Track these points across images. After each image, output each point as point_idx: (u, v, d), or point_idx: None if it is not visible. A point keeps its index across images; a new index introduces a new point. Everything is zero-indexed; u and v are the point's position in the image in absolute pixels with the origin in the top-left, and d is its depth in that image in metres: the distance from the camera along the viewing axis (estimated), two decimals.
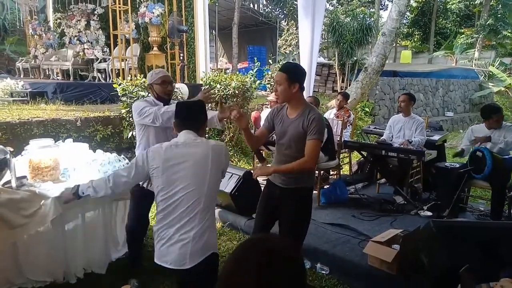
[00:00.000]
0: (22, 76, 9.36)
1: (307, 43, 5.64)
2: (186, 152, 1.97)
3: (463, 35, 20.82)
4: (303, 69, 2.48)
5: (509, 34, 18.45)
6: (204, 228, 1.93)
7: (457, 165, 4.04)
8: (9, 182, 2.70)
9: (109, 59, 7.91)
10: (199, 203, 1.92)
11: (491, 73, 14.58)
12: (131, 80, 5.44)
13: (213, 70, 10.42)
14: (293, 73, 2.33)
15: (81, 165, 3.01)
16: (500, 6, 21.01)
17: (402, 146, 4.31)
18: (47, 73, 9.11)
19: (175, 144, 2.01)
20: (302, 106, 2.37)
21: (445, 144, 5.47)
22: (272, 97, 5.35)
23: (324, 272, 3.06)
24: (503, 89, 13.13)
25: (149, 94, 2.91)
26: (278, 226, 2.50)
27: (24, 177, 2.82)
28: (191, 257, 1.89)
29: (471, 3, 23.43)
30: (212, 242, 2.01)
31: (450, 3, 25.01)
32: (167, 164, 1.94)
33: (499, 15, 20.21)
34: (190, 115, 2.11)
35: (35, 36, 9.51)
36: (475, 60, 18.49)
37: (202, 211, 1.93)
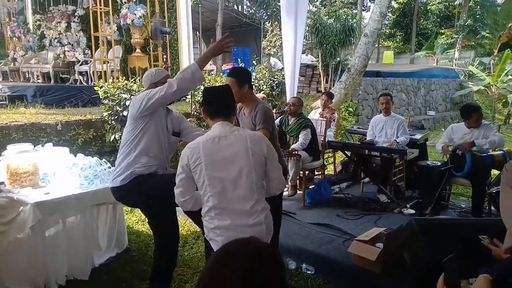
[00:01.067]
0: (0, 79, 9.12)
1: (290, 45, 5.66)
2: (226, 145, 1.90)
3: (443, 36, 21.25)
4: (247, 70, 2.88)
5: (488, 34, 18.90)
6: (261, 211, 1.92)
7: (439, 163, 4.11)
8: None
9: (90, 61, 7.79)
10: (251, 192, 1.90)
11: (471, 73, 14.90)
12: (113, 82, 5.37)
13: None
14: (241, 76, 2.64)
15: (61, 170, 2.96)
16: (478, 7, 21.52)
17: (390, 146, 4.37)
18: (27, 76, 8.90)
19: (211, 139, 1.92)
20: (253, 103, 2.69)
21: (427, 142, 5.56)
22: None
23: (309, 272, 3.07)
24: (482, 88, 13.42)
25: (132, 96, 2.86)
26: None
27: (2, 183, 2.76)
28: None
29: (451, 4, 23.95)
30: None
31: (430, 4, 25.53)
32: (210, 159, 1.87)
33: (477, 16, 20.70)
34: (223, 103, 2.01)
35: (14, 38, 9.29)
36: (455, 60, 18.88)
37: (254, 203, 1.91)
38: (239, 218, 1.88)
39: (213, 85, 6.08)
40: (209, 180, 1.87)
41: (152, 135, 2.41)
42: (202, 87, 5.08)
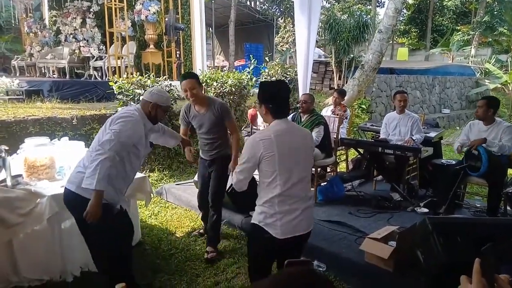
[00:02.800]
0: (17, 74, 9.31)
1: (303, 41, 5.63)
2: (289, 140, 2.10)
3: (459, 32, 20.86)
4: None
5: (505, 31, 18.47)
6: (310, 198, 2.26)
7: (453, 162, 4.05)
8: (4, 181, 2.70)
9: (105, 57, 7.88)
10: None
11: (487, 70, 14.61)
12: (127, 78, 5.43)
13: (210, 68, 10.40)
14: (199, 78, 3.10)
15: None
16: (496, 3, 21.04)
17: (406, 144, 4.32)
18: (43, 71, 9.06)
19: (281, 133, 2.09)
20: (208, 100, 3.15)
21: (442, 141, 5.48)
22: None
23: (321, 269, 3.06)
24: (499, 86, 13.16)
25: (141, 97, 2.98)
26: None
27: (20, 175, 2.82)
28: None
29: (467, 0, 23.48)
30: None
31: (446, 0, 25.05)
32: (282, 151, 2.06)
33: (495, 12, 20.25)
34: (284, 102, 2.17)
35: (31, 34, 9.46)
36: (472, 57, 18.53)
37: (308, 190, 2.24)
38: (297, 203, 2.11)
39: (226, 81, 6.09)
40: (279, 170, 2.05)
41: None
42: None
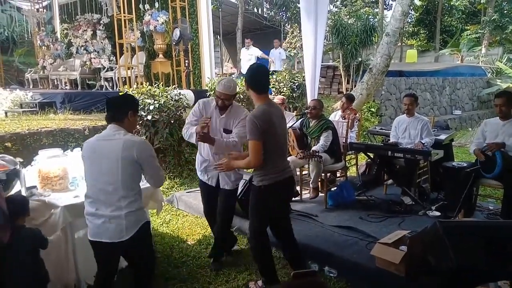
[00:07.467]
0: (31, 87, 9.51)
1: (310, 46, 5.65)
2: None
3: (468, 32, 20.64)
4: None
5: None
6: None
7: (465, 164, 4.00)
8: (19, 192, 2.76)
9: (115, 67, 8.01)
10: None
11: (498, 70, 14.42)
12: (137, 88, 5.51)
13: (218, 75, 10.47)
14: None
15: None
16: (505, 2, 20.80)
17: (416, 147, 4.29)
18: (56, 83, 9.25)
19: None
20: None
21: (453, 143, 5.42)
22: (277, 99, 5.37)
23: (332, 275, 3.06)
24: (511, 85, 12.96)
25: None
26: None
27: (34, 187, 2.88)
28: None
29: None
30: None
31: (454, 0, 24.82)
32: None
33: (504, 11, 20.00)
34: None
35: (43, 47, 9.67)
36: (482, 57, 18.31)
37: None
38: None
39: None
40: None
41: None
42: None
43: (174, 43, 7.68)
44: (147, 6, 7.65)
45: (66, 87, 8.90)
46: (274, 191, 2.62)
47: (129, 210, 2.27)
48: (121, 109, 2.37)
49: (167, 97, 5.30)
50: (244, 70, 9.96)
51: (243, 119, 2.94)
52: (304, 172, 4.82)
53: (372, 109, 9.36)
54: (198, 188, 4.87)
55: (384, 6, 22.70)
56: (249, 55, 10.14)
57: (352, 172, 5.61)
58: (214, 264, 3.25)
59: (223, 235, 3.29)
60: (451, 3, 25.11)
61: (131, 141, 2.30)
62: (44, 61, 9.59)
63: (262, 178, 2.60)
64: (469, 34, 19.99)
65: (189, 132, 3.01)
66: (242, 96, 6.20)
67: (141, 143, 2.35)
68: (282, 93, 7.47)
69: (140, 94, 5.13)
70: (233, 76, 11.21)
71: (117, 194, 2.25)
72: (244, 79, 2.69)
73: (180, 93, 5.66)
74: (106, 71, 8.28)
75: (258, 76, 2.66)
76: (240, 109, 3.15)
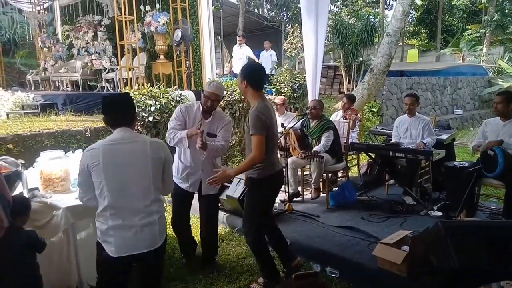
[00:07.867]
0: (33, 88, 9.54)
1: (311, 46, 5.65)
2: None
3: (470, 31, 20.61)
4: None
5: None
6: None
7: (467, 164, 3.99)
8: (21, 194, 2.76)
9: (116, 69, 8.02)
10: None
11: (500, 69, 14.39)
12: (138, 89, 5.51)
13: (220, 76, 10.47)
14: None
15: None
16: (506, 1, 20.76)
17: (417, 147, 4.29)
18: (57, 85, 9.26)
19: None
20: None
21: (455, 142, 5.41)
22: (278, 100, 5.36)
23: (334, 275, 3.06)
24: None
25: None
26: None
27: (36, 188, 2.89)
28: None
29: None
30: None
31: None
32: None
33: (506, 11, 19.96)
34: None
35: (45, 48, 9.68)
36: (483, 56, 18.27)
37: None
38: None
39: (235, 89, 6.13)
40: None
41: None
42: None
43: (175, 44, 7.68)
44: (148, 8, 7.65)
45: (68, 88, 8.92)
46: (271, 182, 2.75)
47: (160, 214, 2.19)
48: (129, 111, 2.25)
49: (168, 98, 5.30)
50: (235, 68, 9.84)
51: (227, 123, 3.08)
52: (305, 173, 4.83)
53: (373, 109, 9.36)
54: None
55: (385, 6, 22.68)
56: (241, 54, 10.06)
57: (353, 172, 5.60)
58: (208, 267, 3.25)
59: (216, 237, 3.38)
60: (452, 3, 25.06)
61: (156, 142, 2.24)
62: (45, 63, 9.60)
63: (262, 171, 2.68)
64: (470, 34, 19.93)
65: (178, 137, 2.96)
66: (243, 97, 6.19)
67: (165, 145, 2.28)
68: (283, 94, 7.47)
69: (141, 95, 5.13)
70: (225, 76, 11.17)
71: (149, 198, 2.12)
72: (242, 76, 2.65)
73: (181, 94, 5.66)
74: (107, 72, 8.28)
75: (256, 72, 2.73)
76: (223, 114, 3.22)
